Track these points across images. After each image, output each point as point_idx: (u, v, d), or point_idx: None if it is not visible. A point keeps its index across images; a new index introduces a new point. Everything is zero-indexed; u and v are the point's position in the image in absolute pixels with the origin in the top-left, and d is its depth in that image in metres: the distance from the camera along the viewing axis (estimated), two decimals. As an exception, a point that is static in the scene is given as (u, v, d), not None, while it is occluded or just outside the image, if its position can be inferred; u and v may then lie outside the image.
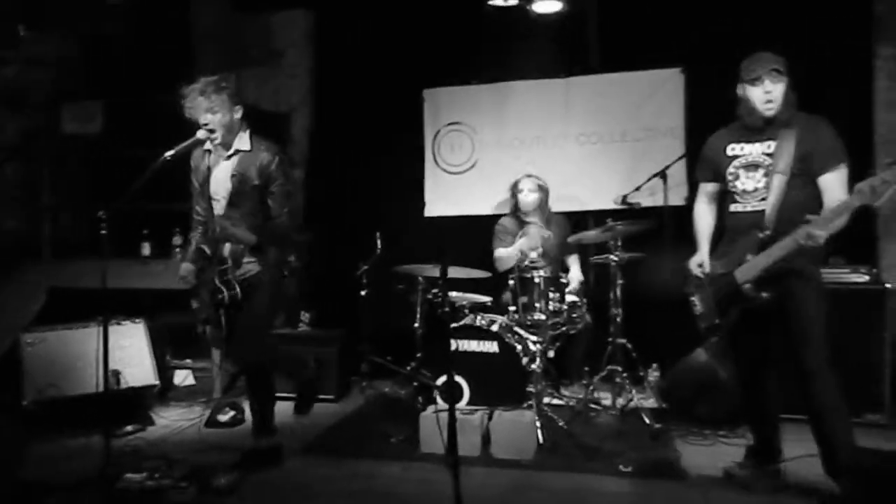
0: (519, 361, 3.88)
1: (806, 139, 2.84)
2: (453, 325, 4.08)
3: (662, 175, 4.30)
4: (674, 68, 4.91)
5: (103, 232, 2.90)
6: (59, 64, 5.16)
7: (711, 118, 3.21)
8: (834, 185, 2.80)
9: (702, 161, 3.22)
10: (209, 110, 3.22)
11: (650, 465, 3.29)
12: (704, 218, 3.25)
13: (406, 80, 5.36)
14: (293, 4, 5.63)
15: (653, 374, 4.43)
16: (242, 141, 3.34)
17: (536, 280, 3.83)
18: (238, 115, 3.34)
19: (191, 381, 5.05)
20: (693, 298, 3.17)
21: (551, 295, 3.84)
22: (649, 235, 4.13)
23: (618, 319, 4.12)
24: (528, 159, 5.10)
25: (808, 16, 4.57)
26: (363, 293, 4.77)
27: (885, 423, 3.78)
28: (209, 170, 3.36)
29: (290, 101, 5.72)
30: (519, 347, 3.93)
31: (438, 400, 3.94)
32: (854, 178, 2.69)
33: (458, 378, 3.94)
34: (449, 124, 5.39)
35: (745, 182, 2.96)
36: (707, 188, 3.23)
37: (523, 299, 3.84)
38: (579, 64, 5.09)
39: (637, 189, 4.39)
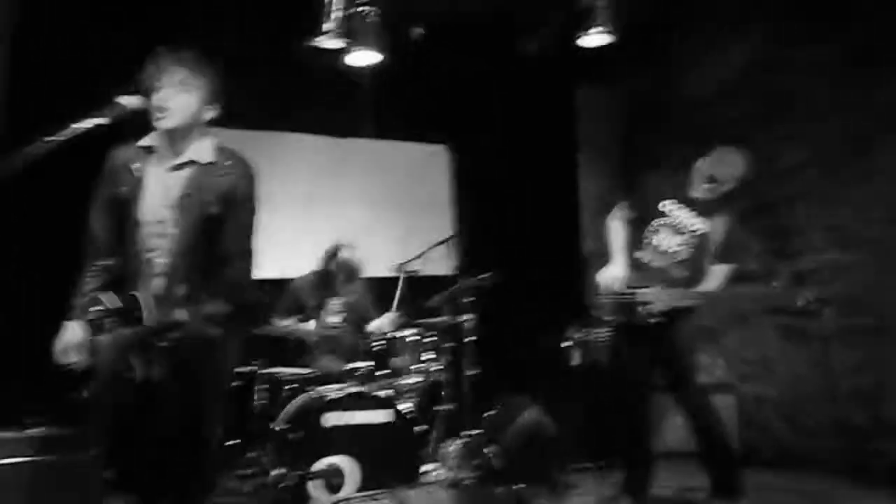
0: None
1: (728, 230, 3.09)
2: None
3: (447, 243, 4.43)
4: (440, 144, 5.16)
5: None
6: None
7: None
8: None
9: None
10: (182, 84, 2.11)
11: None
12: (622, 233, 3.26)
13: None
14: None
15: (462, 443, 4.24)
16: (201, 149, 2.20)
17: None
18: (208, 116, 2.21)
19: None
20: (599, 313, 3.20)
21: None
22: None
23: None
24: (305, 217, 4.69)
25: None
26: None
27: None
28: (140, 180, 2.14)
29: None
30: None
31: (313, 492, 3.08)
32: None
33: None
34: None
35: (664, 241, 3.12)
36: (627, 212, 3.29)
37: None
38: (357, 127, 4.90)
39: (418, 257, 4.38)
